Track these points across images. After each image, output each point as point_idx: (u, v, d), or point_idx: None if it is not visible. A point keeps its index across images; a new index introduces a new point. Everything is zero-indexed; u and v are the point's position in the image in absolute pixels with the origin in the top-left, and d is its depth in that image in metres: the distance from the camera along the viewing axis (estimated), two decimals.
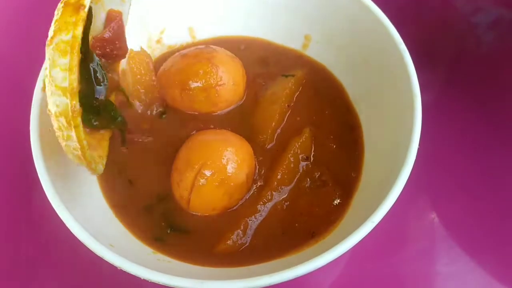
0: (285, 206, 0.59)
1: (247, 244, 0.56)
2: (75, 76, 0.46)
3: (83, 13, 0.46)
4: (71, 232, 0.48)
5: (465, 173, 0.70)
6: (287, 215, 0.58)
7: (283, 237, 0.57)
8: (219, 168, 0.57)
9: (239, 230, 0.57)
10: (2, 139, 0.73)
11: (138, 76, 0.65)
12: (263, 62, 0.72)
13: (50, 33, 0.46)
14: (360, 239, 0.47)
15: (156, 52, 0.73)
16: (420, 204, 0.68)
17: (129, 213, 0.59)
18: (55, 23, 0.46)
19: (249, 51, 0.73)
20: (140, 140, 0.63)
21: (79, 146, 0.48)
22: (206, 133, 0.62)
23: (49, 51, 0.46)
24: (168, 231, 0.57)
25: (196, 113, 0.66)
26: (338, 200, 0.59)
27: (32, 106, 0.55)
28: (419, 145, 0.52)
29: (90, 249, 0.47)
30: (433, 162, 0.69)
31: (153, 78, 0.66)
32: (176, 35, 0.74)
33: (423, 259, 0.64)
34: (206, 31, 0.75)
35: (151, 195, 0.60)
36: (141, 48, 0.67)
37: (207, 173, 0.56)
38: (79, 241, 0.48)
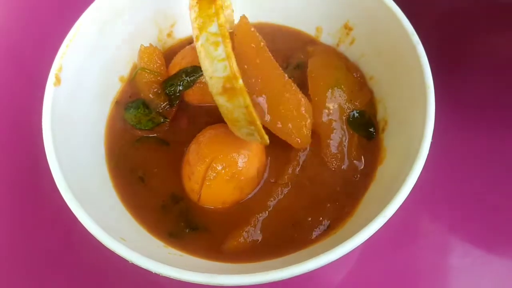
0: (296, 201, 0.59)
1: (258, 240, 0.56)
2: (233, 60, 0.46)
3: (219, 1, 0.47)
4: (83, 226, 0.49)
5: (478, 166, 0.70)
6: (298, 210, 0.58)
7: (294, 231, 0.57)
8: (230, 162, 0.57)
9: (250, 227, 0.57)
10: (14, 134, 0.74)
11: (149, 71, 0.65)
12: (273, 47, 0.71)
13: (195, 32, 0.48)
14: (372, 233, 0.47)
15: (166, 45, 0.73)
16: (432, 198, 0.67)
17: (142, 209, 0.59)
18: (196, 20, 0.47)
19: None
20: (152, 135, 0.64)
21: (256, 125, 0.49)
22: (217, 127, 0.61)
23: (199, 49, 0.47)
24: (187, 231, 0.57)
25: (208, 104, 0.65)
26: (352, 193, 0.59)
27: (44, 100, 0.56)
28: (432, 138, 0.52)
29: (102, 242, 0.48)
30: (446, 155, 0.69)
31: (164, 71, 0.66)
32: (187, 28, 0.73)
33: (436, 252, 0.64)
34: None
35: (164, 193, 0.60)
36: (150, 44, 0.67)
37: (218, 166, 0.56)
38: (90, 235, 0.48)
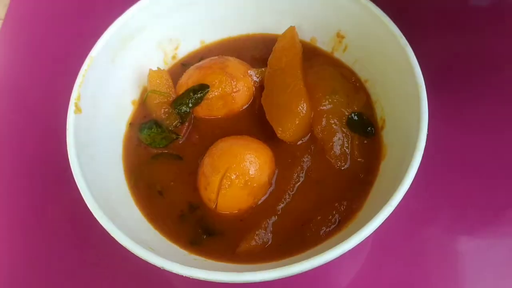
0: (304, 202, 0.61)
1: (270, 241, 0.59)
2: None
3: None
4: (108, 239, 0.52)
5: (478, 152, 0.72)
6: (307, 211, 0.60)
7: (305, 231, 0.59)
8: (243, 171, 0.59)
9: (261, 230, 0.59)
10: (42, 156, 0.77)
11: (158, 93, 0.68)
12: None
13: None
14: (381, 222, 0.50)
15: (172, 67, 0.76)
16: (436, 186, 0.69)
17: (163, 221, 0.62)
18: None
19: (264, 46, 0.76)
20: (166, 151, 0.67)
21: None
22: (228, 140, 0.64)
23: None
24: (204, 237, 0.60)
25: (215, 117, 0.69)
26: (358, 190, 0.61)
27: (67, 128, 0.59)
28: (428, 131, 0.54)
29: (136, 254, 0.51)
30: (444, 144, 0.71)
31: (173, 92, 0.69)
32: (189, 49, 0.77)
33: (442, 239, 0.66)
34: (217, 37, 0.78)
35: (182, 203, 0.63)
36: (158, 68, 0.70)
37: (232, 176, 0.59)
38: (108, 249, 0.54)
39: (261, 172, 0.61)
